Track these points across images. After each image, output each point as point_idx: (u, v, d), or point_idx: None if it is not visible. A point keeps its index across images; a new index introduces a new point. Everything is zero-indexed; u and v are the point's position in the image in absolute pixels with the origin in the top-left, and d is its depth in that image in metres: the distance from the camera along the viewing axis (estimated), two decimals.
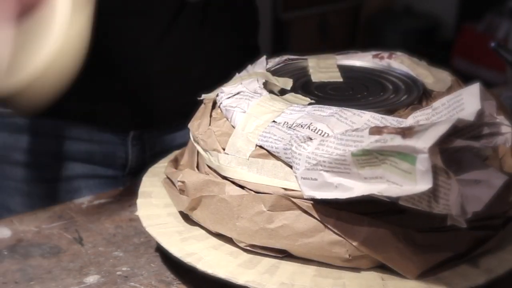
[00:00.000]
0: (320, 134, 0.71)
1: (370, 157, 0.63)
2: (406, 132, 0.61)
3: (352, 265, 0.71)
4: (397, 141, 0.60)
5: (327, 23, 3.11)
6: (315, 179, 0.67)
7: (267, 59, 0.90)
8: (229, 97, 0.79)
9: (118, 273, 0.79)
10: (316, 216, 0.69)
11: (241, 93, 0.79)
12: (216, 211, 0.74)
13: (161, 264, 0.79)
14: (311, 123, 0.72)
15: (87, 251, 0.83)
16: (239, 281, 0.69)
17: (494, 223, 0.73)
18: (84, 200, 0.94)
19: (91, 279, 0.78)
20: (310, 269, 0.71)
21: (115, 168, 1.03)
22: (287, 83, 0.83)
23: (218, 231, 0.75)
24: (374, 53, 0.90)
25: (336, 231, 0.69)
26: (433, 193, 0.62)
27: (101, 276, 0.79)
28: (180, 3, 0.98)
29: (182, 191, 0.78)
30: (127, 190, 0.96)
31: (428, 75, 0.83)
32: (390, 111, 0.75)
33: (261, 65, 0.87)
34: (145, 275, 0.79)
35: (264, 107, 0.76)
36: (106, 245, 0.84)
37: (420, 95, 0.79)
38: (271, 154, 0.72)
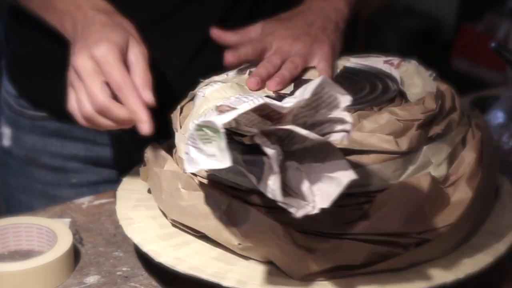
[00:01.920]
0: None
1: (203, 133, 0.64)
2: (223, 110, 0.64)
3: (247, 254, 0.72)
4: (208, 116, 0.64)
5: None
6: (187, 153, 0.67)
7: None
8: (206, 85, 0.81)
9: (118, 273, 0.79)
10: (212, 200, 0.72)
11: (215, 81, 0.81)
12: (153, 183, 0.78)
13: (161, 264, 0.79)
14: (221, 104, 0.72)
15: (87, 251, 0.83)
16: (144, 248, 0.74)
17: (404, 241, 0.70)
18: (84, 200, 0.93)
19: (91, 279, 0.78)
20: (215, 252, 0.73)
21: None
22: None
23: (156, 202, 0.80)
24: (386, 58, 0.89)
25: (226, 218, 0.71)
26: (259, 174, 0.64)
27: (101, 276, 0.79)
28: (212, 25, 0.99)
29: (147, 161, 0.82)
30: None
31: (419, 85, 0.82)
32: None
33: None
34: (145, 275, 0.79)
35: (219, 93, 0.77)
36: (106, 245, 0.84)
37: (389, 100, 0.78)
38: None
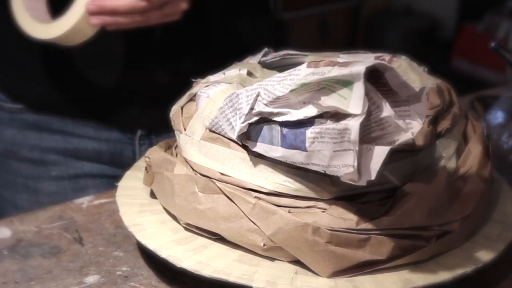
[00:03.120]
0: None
1: (308, 86, 0.64)
2: (341, 64, 0.63)
3: (270, 255, 0.72)
4: (334, 71, 0.62)
5: (327, 23, 3.10)
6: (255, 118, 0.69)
7: (267, 52, 0.90)
8: (207, 85, 0.80)
9: (118, 273, 0.79)
10: (236, 202, 0.71)
11: (217, 81, 0.80)
12: (163, 187, 0.78)
13: (161, 264, 0.79)
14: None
15: (87, 251, 0.83)
16: (163, 254, 0.73)
17: (426, 234, 0.71)
18: (84, 200, 0.93)
19: (91, 279, 0.78)
20: (235, 254, 0.73)
21: (122, 167, 1.04)
22: (269, 75, 0.83)
23: (165, 207, 0.79)
24: (376, 55, 0.90)
25: (251, 219, 0.71)
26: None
27: (101, 276, 0.79)
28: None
29: (149, 166, 0.81)
30: None
31: (416, 81, 0.82)
32: None
33: (257, 57, 0.88)
34: (145, 275, 0.79)
35: (226, 93, 0.77)
36: (106, 245, 0.84)
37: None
38: (218, 139, 0.74)
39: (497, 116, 1.07)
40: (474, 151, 0.78)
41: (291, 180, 0.71)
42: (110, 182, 1.04)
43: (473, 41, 2.93)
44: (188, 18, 0.93)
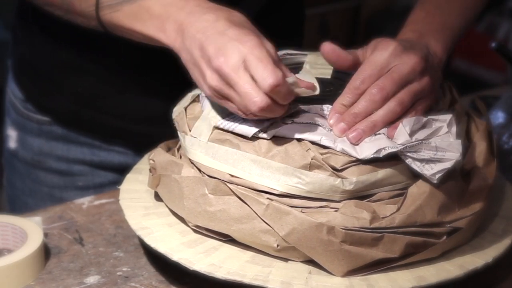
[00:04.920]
0: None
1: None
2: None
3: (283, 255, 0.72)
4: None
5: (327, 23, 3.10)
6: None
7: None
8: None
9: (119, 273, 0.79)
10: (248, 204, 0.71)
11: None
12: (170, 190, 0.77)
13: (161, 265, 0.79)
14: None
15: (88, 252, 0.83)
16: (174, 257, 0.72)
17: (437, 231, 0.72)
18: (85, 201, 0.93)
19: (92, 279, 0.78)
20: (246, 255, 0.73)
21: None
22: None
23: (172, 209, 0.78)
24: None
25: (265, 220, 0.70)
26: None
27: (102, 277, 0.79)
28: None
29: (153, 169, 0.81)
30: None
31: None
32: None
33: None
34: (145, 275, 0.79)
35: None
36: (106, 246, 0.84)
37: None
38: (227, 141, 0.74)
39: (498, 117, 1.07)
40: (479, 148, 0.78)
41: (303, 182, 0.71)
42: None
43: (473, 41, 2.92)
44: None
